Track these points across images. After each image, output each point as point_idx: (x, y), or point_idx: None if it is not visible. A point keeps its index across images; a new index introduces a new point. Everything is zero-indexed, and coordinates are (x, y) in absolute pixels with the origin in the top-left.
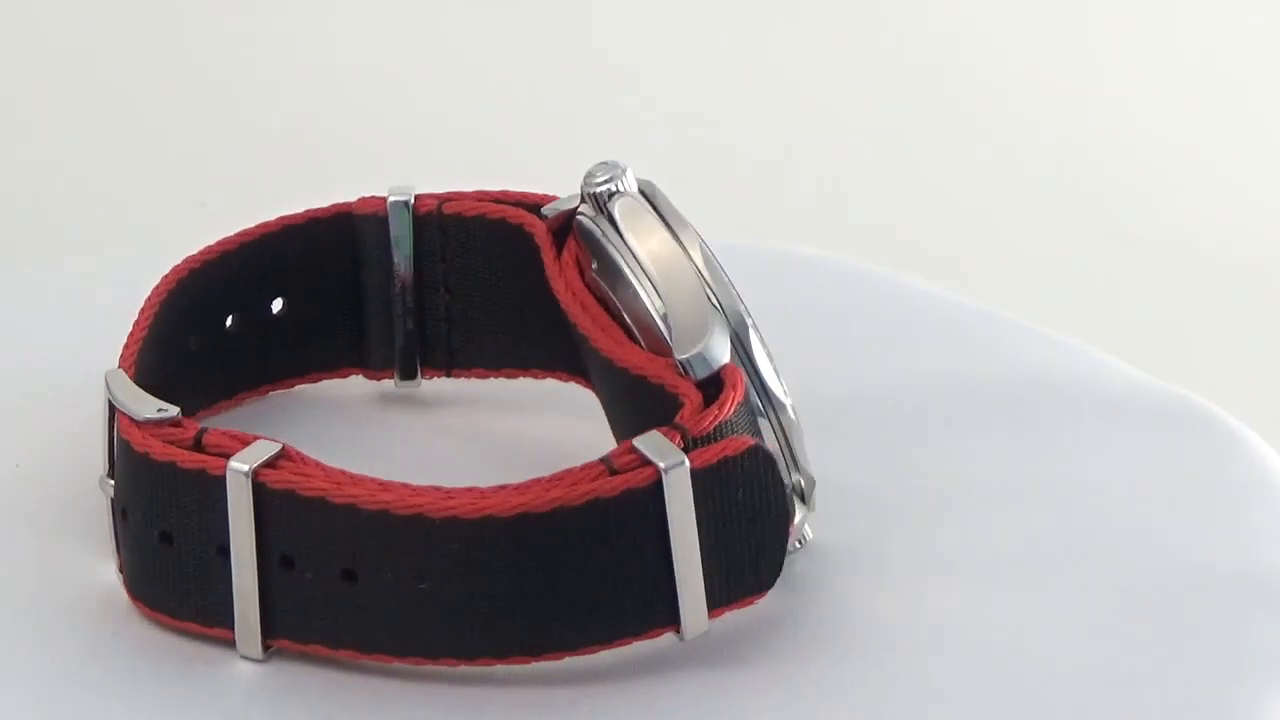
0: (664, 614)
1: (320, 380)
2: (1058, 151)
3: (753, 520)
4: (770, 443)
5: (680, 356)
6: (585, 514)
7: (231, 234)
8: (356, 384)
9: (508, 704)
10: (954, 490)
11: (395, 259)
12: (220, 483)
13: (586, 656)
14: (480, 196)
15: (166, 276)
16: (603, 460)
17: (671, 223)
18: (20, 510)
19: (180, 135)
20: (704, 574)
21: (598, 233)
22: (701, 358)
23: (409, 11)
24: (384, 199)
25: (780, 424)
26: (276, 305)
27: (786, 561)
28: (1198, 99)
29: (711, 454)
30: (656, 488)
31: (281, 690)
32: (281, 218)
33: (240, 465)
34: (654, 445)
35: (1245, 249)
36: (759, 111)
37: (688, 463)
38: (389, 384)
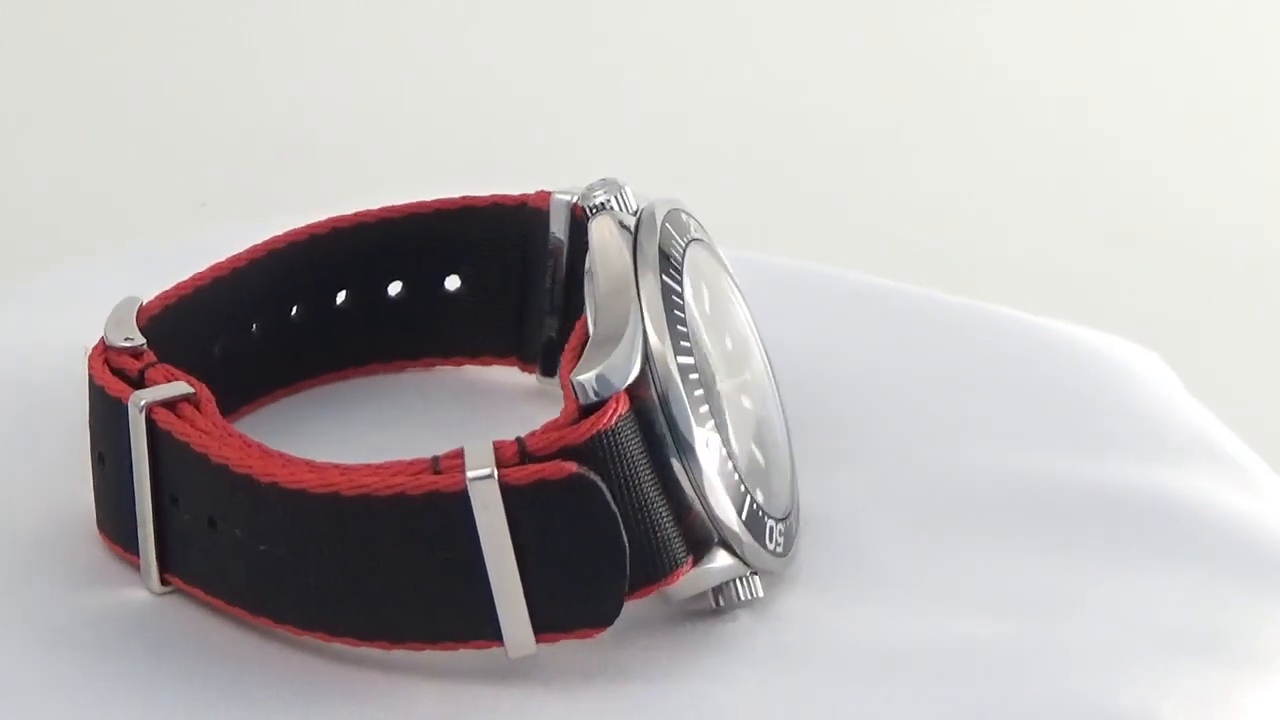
0: (487, 627)
1: (490, 364)
2: (1057, 152)
3: (581, 550)
4: (688, 488)
5: (570, 377)
6: (389, 506)
7: (397, 204)
8: (512, 374)
9: (363, 689)
10: (937, 592)
11: (552, 256)
12: (127, 413)
13: (417, 653)
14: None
15: (297, 230)
16: (433, 458)
17: (639, 249)
18: (56, 431)
19: (180, 135)
20: (527, 594)
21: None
22: (602, 379)
23: (410, 12)
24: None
25: (688, 470)
26: (452, 283)
27: (729, 615)
28: (1198, 99)
29: (528, 473)
30: (464, 495)
31: (155, 628)
32: (464, 197)
33: (138, 399)
34: (476, 453)
35: (1245, 249)
36: (761, 116)
37: (495, 475)
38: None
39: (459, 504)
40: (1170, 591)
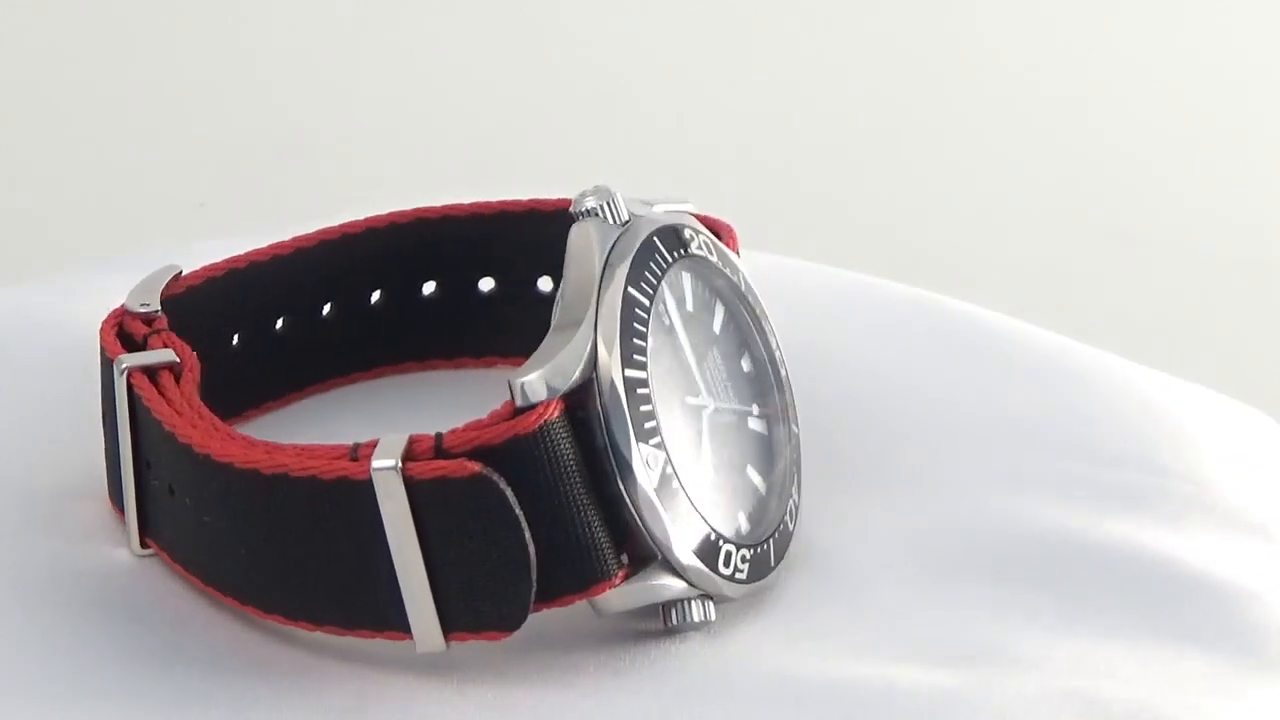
0: (396, 619)
1: None
2: (1057, 151)
3: (485, 552)
4: (628, 504)
5: (509, 377)
6: (302, 488)
7: (489, 201)
8: None
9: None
10: (900, 639)
11: None
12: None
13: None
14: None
15: (377, 217)
16: (354, 445)
17: (609, 260)
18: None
19: (180, 135)
20: (435, 591)
21: None
22: (535, 384)
23: (409, 14)
24: None
25: (625, 489)
26: (545, 284)
27: (682, 636)
28: (1198, 99)
29: (432, 469)
30: (370, 483)
31: (122, 590)
32: (561, 199)
33: (120, 362)
34: (388, 444)
35: (1245, 249)
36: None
37: (398, 467)
38: None
39: (365, 492)
40: (1133, 662)
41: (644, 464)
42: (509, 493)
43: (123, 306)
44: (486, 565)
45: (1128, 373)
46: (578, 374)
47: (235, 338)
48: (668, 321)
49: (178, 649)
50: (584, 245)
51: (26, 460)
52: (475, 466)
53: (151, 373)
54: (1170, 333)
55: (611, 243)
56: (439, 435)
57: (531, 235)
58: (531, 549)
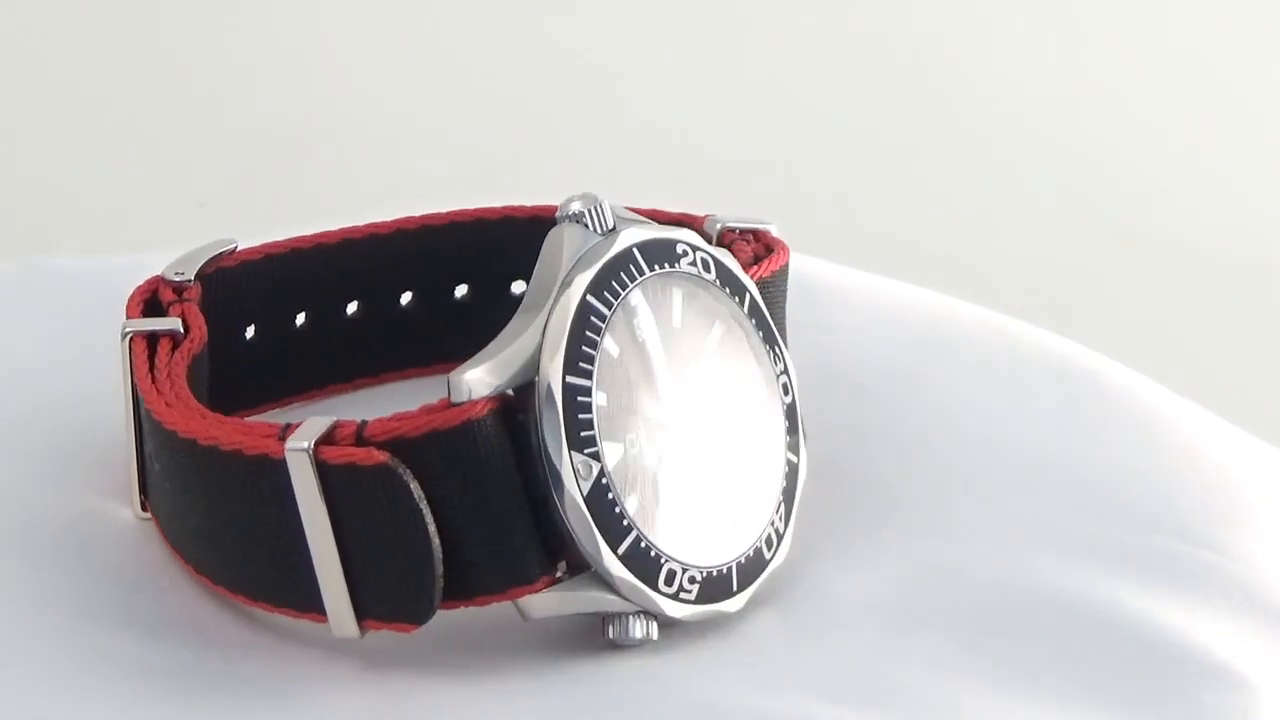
0: (317, 601)
1: None
2: (1056, 152)
3: (393, 543)
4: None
5: (449, 374)
6: (229, 462)
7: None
8: None
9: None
10: (843, 688)
11: None
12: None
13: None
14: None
15: (462, 211)
16: (285, 425)
17: (574, 267)
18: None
19: (180, 135)
20: (349, 577)
21: None
22: (466, 381)
23: (408, 15)
24: None
25: (559, 502)
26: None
27: (622, 653)
28: (1197, 100)
29: (343, 455)
30: (284, 463)
31: (107, 549)
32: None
33: (124, 327)
34: (310, 426)
35: (1245, 249)
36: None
37: (309, 449)
38: None
39: (281, 471)
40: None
41: (573, 472)
42: (414, 485)
43: (160, 275)
44: (394, 556)
45: (1195, 425)
46: (515, 374)
47: (301, 317)
48: (640, 335)
49: (130, 609)
50: (554, 248)
51: (81, 417)
52: (382, 456)
53: (153, 339)
54: (1173, 335)
55: (585, 249)
56: (363, 423)
57: None
58: (436, 543)
